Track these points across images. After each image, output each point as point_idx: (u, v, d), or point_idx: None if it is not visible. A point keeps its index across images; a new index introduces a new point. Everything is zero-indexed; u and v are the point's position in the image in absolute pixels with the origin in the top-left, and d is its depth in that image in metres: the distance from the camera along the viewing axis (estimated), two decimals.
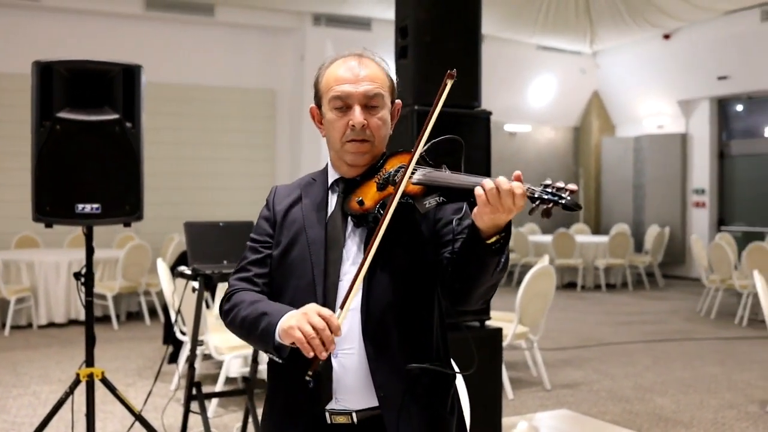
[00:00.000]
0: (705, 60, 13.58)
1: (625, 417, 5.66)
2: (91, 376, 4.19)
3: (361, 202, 1.97)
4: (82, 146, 3.92)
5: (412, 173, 1.91)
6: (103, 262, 9.59)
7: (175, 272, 4.82)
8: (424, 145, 1.95)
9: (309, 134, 12.50)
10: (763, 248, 9.42)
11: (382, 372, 1.95)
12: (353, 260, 2.01)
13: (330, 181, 2.15)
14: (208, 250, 4.44)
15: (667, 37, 14.20)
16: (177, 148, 12.06)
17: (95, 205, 3.96)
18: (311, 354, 1.77)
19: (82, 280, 4.22)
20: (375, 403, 1.96)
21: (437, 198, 1.85)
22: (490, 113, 4.76)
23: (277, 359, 1.95)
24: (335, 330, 1.77)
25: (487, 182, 1.69)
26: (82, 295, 4.24)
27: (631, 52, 15.07)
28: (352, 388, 1.97)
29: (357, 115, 2.00)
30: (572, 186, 1.64)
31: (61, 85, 3.90)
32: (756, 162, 13.63)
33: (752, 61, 12.83)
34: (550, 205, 1.63)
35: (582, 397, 6.23)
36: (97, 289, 9.27)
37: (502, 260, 1.81)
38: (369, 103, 2.02)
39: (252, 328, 1.99)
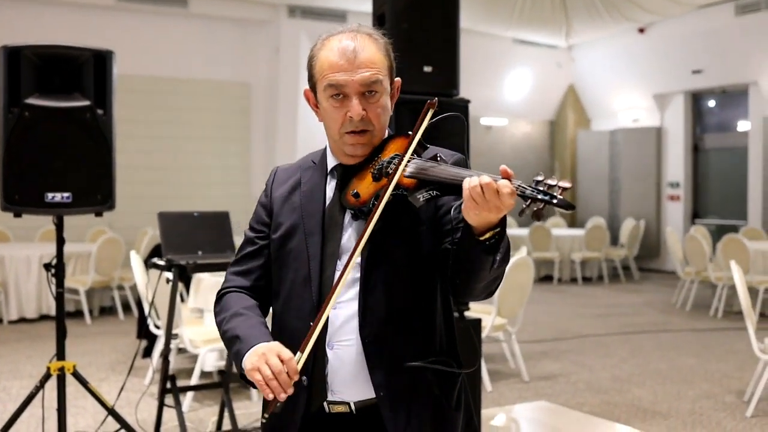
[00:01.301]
0: (679, 54, 13.63)
1: (603, 408, 5.65)
2: (62, 370, 4.10)
3: (356, 195, 1.90)
4: (51, 133, 3.83)
5: (406, 165, 1.84)
6: (75, 256, 9.44)
7: (148, 263, 4.72)
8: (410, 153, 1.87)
9: (284, 128, 12.41)
10: (738, 240, 9.47)
11: (380, 369, 1.89)
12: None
13: (329, 167, 2.06)
14: (183, 240, 4.35)
15: (642, 31, 14.24)
16: (150, 141, 11.90)
17: (65, 194, 3.87)
18: (270, 396, 1.73)
19: (53, 271, 4.11)
20: (373, 395, 1.90)
21: (431, 192, 1.78)
22: (468, 102, 4.71)
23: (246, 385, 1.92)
24: (292, 373, 1.73)
25: (471, 179, 1.62)
26: (53, 287, 4.13)
27: (606, 46, 15.10)
28: (349, 380, 1.91)
29: (355, 106, 1.90)
30: (565, 183, 1.56)
31: (30, 70, 3.80)
32: (729, 156, 13.71)
33: (726, 55, 12.90)
34: (542, 205, 1.55)
35: (560, 388, 6.21)
36: (69, 283, 9.13)
37: (497, 257, 1.73)
38: (367, 90, 1.92)
39: (228, 346, 1.96)
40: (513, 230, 13.78)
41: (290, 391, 1.73)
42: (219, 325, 2.01)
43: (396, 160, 1.84)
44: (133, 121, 11.40)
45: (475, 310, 5.99)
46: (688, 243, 10.23)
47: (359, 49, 1.93)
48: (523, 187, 1.58)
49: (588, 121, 16.25)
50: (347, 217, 1.96)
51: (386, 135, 2.02)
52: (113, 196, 3.98)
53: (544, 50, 15.47)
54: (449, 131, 4.52)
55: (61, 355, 4.14)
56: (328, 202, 2.02)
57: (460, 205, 1.91)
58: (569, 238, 13.03)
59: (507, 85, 15.44)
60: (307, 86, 2.04)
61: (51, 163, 3.84)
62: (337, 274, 1.88)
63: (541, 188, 1.57)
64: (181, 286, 6.64)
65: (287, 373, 1.72)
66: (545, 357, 7.34)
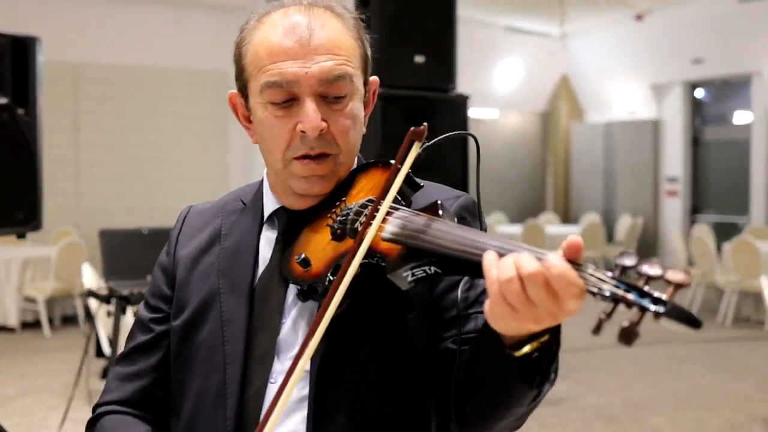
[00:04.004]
0: (678, 42, 13.00)
1: None
2: None
3: (305, 262, 1.19)
4: None
5: (385, 218, 1.15)
6: (34, 261, 8.68)
7: (87, 292, 4.02)
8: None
9: None
10: (748, 244, 8.82)
11: None
12: (296, 353, 1.23)
13: (267, 211, 1.36)
14: (128, 263, 3.67)
15: (639, 18, 13.58)
16: (121, 135, 11.13)
17: None
18: None
19: None
20: None
21: (425, 268, 1.08)
22: (467, 98, 4.03)
23: None
24: None
25: (503, 266, 0.93)
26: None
27: (601, 35, 14.46)
28: None
29: (309, 114, 1.21)
30: (678, 274, 0.88)
31: None
32: (730, 149, 13.09)
33: (728, 44, 12.27)
34: (638, 317, 0.88)
35: (567, 416, 5.56)
36: (27, 291, 8.44)
37: (544, 388, 1.05)
38: (329, 92, 1.24)
39: None
40: (504, 227, 13.10)
41: None
42: None
43: (368, 210, 1.15)
44: (100, 113, 10.68)
45: None
46: (693, 245, 9.60)
47: (316, 26, 1.23)
48: (601, 280, 0.90)
49: (582, 113, 15.60)
50: (291, 294, 1.26)
51: (356, 164, 1.33)
52: (39, 213, 3.27)
53: (537, 38, 14.81)
54: (445, 130, 3.79)
55: None
56: (261, 267, 1.31)
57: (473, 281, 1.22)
58: (563, 236, 12.34)
59: (497, 75, 14.76)
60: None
61: None
62: (272, 389, 1.20)
63: (633, 284, 0.89)
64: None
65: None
66: None
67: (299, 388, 1.21)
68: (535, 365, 1.04)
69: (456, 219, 1.15)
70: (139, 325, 1.41)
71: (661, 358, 7.39)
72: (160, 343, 1.37)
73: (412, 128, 1.17)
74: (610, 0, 12.11)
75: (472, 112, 14.44)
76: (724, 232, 11.79)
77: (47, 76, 11.13)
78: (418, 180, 1.22)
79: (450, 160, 3.97)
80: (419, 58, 3.83)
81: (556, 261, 0.90)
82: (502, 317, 0.95)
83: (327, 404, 1.20)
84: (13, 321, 8.46)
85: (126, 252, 3.73)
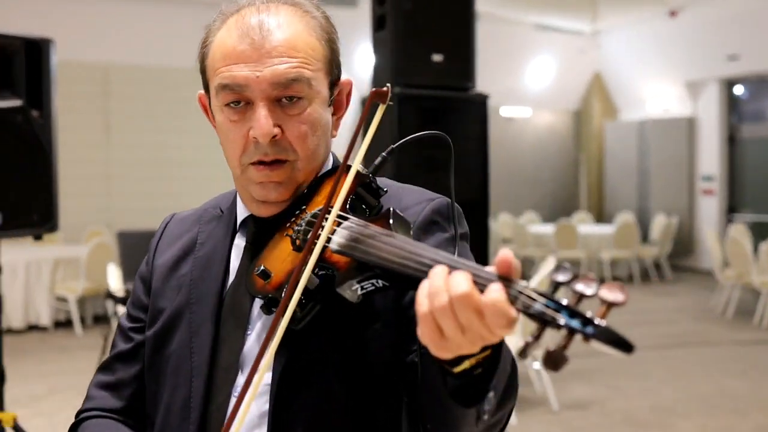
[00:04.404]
0: (714, 38, 12.75)
1: None
2: None
3: (264, 274, 1.15)
4: None
5: (334, 228, 1.10)
6: (65, 261, 8.76)
7: (106, 294, 4.03)
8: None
9: None
10: None
11: None
12: (262, 367, 1.21)
13: (239, 219, 1.33)
14: None
15: (673, 14, 13.36)
16: (152, 135, 11.19)
17: None
18: None
19: None
20: None
21: (373, 281, 1.04)
22: (486, 97, 3.96)
23: None
24: None
25: (434, 284, 0.88)
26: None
27: (634, 31, 14.25)
28: None
29: (260, 119, 1.17)
30: (612, 292, 0.82)
31: None
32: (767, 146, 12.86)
33: (764, 39, 12.01)
34: (567, 339, 0.82)
35: (594, 420, 5.46)
36: (59, 290, 8.53)
37: (485, 407, 0.97)
38: (283, 95, 1.19)
39: None
40: (536, 227, 12.96)
41: None
42: None
43: (316, 223, 1.11)
44: (131, 113, 10.76)
45: None
46: (729, 245, 9.41)
47: (272, 26, 1.19)
48: (530, 298, 0.83)
49: (615, 111, 15.39)
50: (257, 306, 1.22)
51: (323, 169, 1.29)
52: (54, 214, 3.28)
53: (568, 36, 14.64)
54: (462, 132, 3.71)
55: None
56: (232, 277, 1.28)
57: None
58: (597, 236, 12.21)
59: (528, 73, 14.62)
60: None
61: None
62: (233, 403, 1.15)
63: (563, 303, 0.83)
64: None
65: None
66: (575, 378, 6.58)
67: (261, 403, 1.18)
68: (474, 383, 0.98)
69: (413, 227, 1.10)
70: (120, 334, 1.39)
71: (691, 361, 7.25)
72: (140, 352, 1.34)
73: (374, 89, 1.13)
74: None
75: (504, 111, 14.39)
76: (761, 232, 11.55)
77: (78, 77, 11.28)
78: (379, 185, 1.18)
79: (470, 161, 3.90)
80: (437, 57, 3.77)
81: (489, 277, 0.86)
82: (432, 340, 0.90)
83: (287, 420, 1.16)
84: (45, 320, 8.56)
85: (144, 253, 3.73)
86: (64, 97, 10.15)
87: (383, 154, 1.22)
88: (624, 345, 0.80)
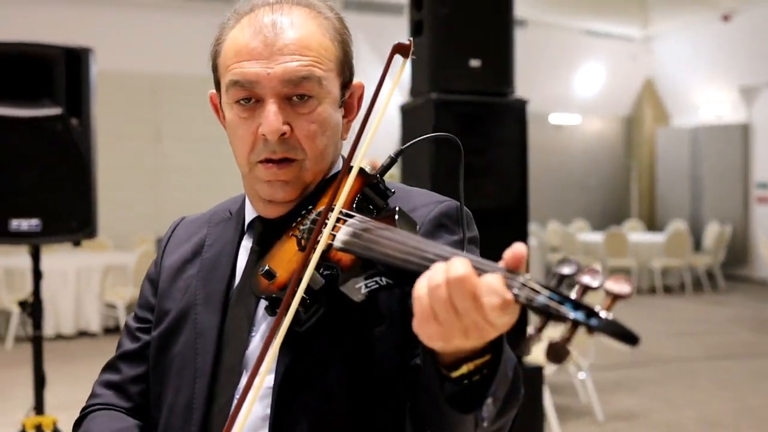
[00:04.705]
0: None
1: None
2: (39, 428, 3.46)
3: (269, 275, 1.14)
4: (15, 148, 3.19)
5: (337, 224, 1.10)
6: (114, 267, 8.90)
7: None
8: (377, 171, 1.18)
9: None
10: None
11: None
12: (264, 369, 1.20)
13: (247, 220, 1.33)
14: None
15: (726, 18, 13.09)
16: (200, 143, 11.31)
17: (34, 221, 3.22)
18: None
19: (29, 310, 3.47)
20: None
21: (376, 279, 1.03)
22: (525, 102, 3.91)
23: None
24: None
25: (433, 271, 0.87)
26: (29, 328, 3.50)
27: (686, 36, 14.00)
28: None
29: (269, 116, 1.17)
30: (618, 284, 0.79)
31: None
32: None
33: None
34: (570, 332, 0.80)
35: (638, 431, 5.35)
36: (108, 297, 8.67)
37: (484, 415, 0.95)
38: (293, 93, 1.19)
39: None
40: (586, 234, 12.78)
41: None
42: None
43: (319, 219, 1.10)
44: (180, 122, 10.90)
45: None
46: None
47: (285, 24, 1.19)
48: (534, 290, 0.81)
49: (667, 118, 15.13)
50: (262, 307, 1.22)
51: (331, 171, 1.28)
52: (93, 221, 3.31)
53: (619, 41, 14.45)
54: (501, 138, 3.66)
55: (39, 408, 3.50)
56: (238, 278, 1.27)
57: None
58: (648, 244, 11.99)
59: (578, 80, 14.46)
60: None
61: (16, 185, 3.20)
62: (235, 405, 1.14)
63: (567, 295, 0.81)
64: None
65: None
66: (621, 388, 6.46)
67: (263, 406, 1.17)
68: (473, 390, 0.96)
69: (421, 229, 1.09)
70: (127, 333, 1.39)
71: (742, 373, 7.06)
72: (146, 352, 1.34)
73: (397, 42, 1.12)
74: (695, 1, 11.71)
75: (553, 118, 14.24)
76: None
77: (128, 87, 11.46)
78: (387, 186, 1.17)
79: (509, 168, 3.85)
80: (475, 62, 3.74)
81: (491, 267, 0.85)
82: (428, 335, 0.89)
83: (288, 422, 1.15)
84: (95, 326, 8.70)
85: None
86: (114, 106, 10.43)
87: (390, 155, 1.21)
88: (629, 337, 0.78)
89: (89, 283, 8.70)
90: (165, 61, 10.80)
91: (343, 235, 1.07)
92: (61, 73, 3.22)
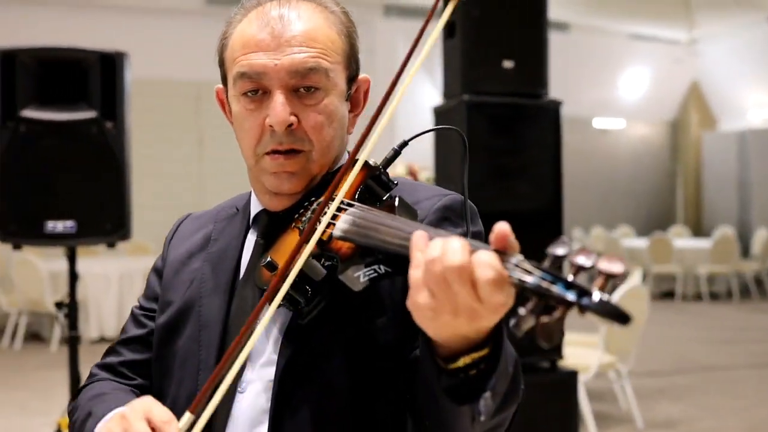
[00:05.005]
0: None
1: None
2: None
3: (271, 266, 1.14)
4: (51, 151, 3.24)
5: (338, 214, 1.10)
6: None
7: None
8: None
9: (382, 138, 11.66)
10: None
11: None
12: (266, 361, 1.19)
13: (252, 214, 1.34)
14: None
15: None
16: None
17: (69, 223, 3.27)
18: None
19: (65, 311, 3.52)
20: None
21: (377, 267, 1.03)
22: (559, 103, 3.86)
23: None
24: None
25: (429, 250, 0.87)
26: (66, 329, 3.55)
27: (734, 39, 13.75)
28: None
29: (277, 107, 1.18)
30: (611, 263, 0.78)
31: (28, 77, 3.24)
32: None
33: None
34: (560, 311, 0.79)
35: None
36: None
37: (481, 408, 0.93)
38: (301, 85, 1.20)
39: None
40: (630, 240, 12.60)
41: None
42: (71, 427, 1.28)
43: (319, 206, 1.11)
44: (222, 129, 10.95)
45: (575, 343, 5.13)
46: None
47: (292, 17, 1.20)
48: (526, 271, 0.81)
49: (714, 122, 14.88)
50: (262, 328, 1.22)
51: (336, 164, 1.28)
52: (127, 223, 3.35)
53: (664, 45, 14.25)
54: (534, 140, 3.62)
55: None
56: (242, 272, 1.28)
57: None
58: (694, 250, 11.78)
59: (623, 84, 14.28)
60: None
61: (52, 187, 3.26)
62: (239, 398, 1.17)
63: (559, 275, 0.80)
64: None
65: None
66: (663, 396, 6.35)
67: (263, 400, 1.17)
68: (470, 383, 0.94)
69: (424, 222, 1.09)
70: (131, 320, 1.40)
71: None
72: (150, 339, 1.34)
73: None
74: (741, 3, 11.50)
75: (598, 122, 14.09)
76: None
77: (172, 94, 11.60)
78: (392, 178, 1.16)
79: (542, 170, 3.81)
80: (508, 63, 3.71)
81: (483, 248, 0.85)
82: (420, 307, 0.88)
83: (288, 415, 1.15)
84: None
85: None
86: (159, 114, 10.58)
87: (394, 147, 1.21)
88: (620, 316, 0.76)
89: (132, 286, 8.82)
90: (208, 69, 10.85)
91: (342, 223, 1.07)
92: (96, 77, 3.28)
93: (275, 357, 1.17)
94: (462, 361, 0.93)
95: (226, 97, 1.31)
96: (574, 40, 12.99)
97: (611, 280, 0.77)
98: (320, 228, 1.05)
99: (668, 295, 11.95)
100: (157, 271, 1.41)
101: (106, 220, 3.32)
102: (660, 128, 15.03)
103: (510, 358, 1.00)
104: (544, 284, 0.79)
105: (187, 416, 1.06)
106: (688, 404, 6.11)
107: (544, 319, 0.78)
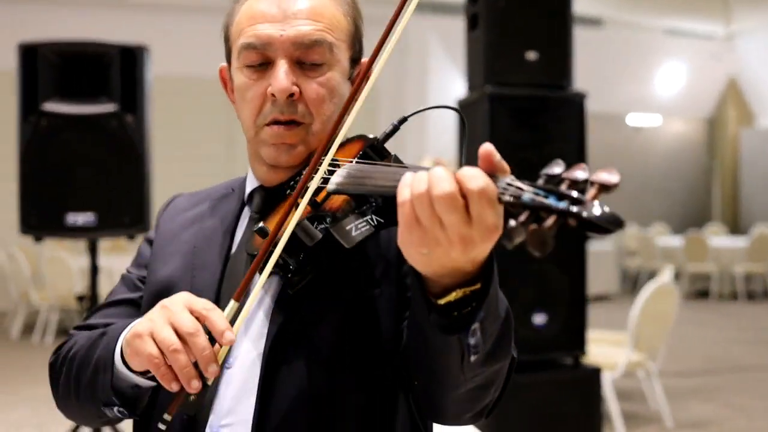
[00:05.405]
0: None
1: None
2: None
3: (262, 231, 1.13)
4: (72, 145, 3.26)
5: (331, 170, 1.10)
6: None
7: None
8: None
9: (413, 137, 11.61)
10: None
11: None
12: (257, 333, 1.18)
13: (247, 191, 1.33)
14: None
15: None
16: None
17: (89, 216, 3.28)
18: (174, 385, 0.99)
19: (87, 305, 3.54)
20: None
21: (369, 219, 1.04)
22: (584, 95, 3.80)
23: (126, 416, 1.18)
24: (219, 334, 0.99)
25: (415, 177, 0.86)
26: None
27: None
28: None
29: (279, 75, 1.18)
30: (606, 175, 0.77)
31: (49, 71, 3.26)
32: None
33: None
34: (551, 219, 0.77)
35: None
36: None
37: (470, 341, 0.92)
38: (305, 57, 1.21)
39: (82, 370, 1.19)
40: (665, 238, 12.41)
41: (213, 373, 0.99)
42: (61, 366, 1.25)
43: (309, 166, 1.12)
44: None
45: (601, 341, 5.06)
46: None
47: None
48: (518, 188, 0.80)
49: (752, 118, 14.61)
50: (258, 291, 1.18)
51: (337, 142, 1.28)
52: (146, 216, 3.36)
53: (700, 40, 14.02)
54: (558, 132, 3.57)
55: None
56: (236, 246, 1.27)
57: None
58: (729, 250, 11.57)
59: (658, 80, 14.09)
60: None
61: (73, 180, 3.28)
62: (227, 374, 1.17)
63: (552, 188, 0.80)
64: None
65: (211, 332, 1.00)
66: (694, 396, 6.23)
67: (254, 374, 1.16)
68: (461, 316, 0.92)
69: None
70: (122, 284, 1.38)
71: None
72: (140, 302, 1.32)
73: None
74: None
75: (633, 119, 13.91)
76: None
77: (201, 92, 11.64)
78: (389, 151, 1.18)
79: (565, 160, 3.73)
80: (531, 55, 3.65)
81: (467, 168, 0.84)
82: (413, 243, 0.86)
83: (277, 388, 1.14)
84: None
85: None
86: (188, 112, 10.65)
87: (394, 122, 1.21)
88: (614, 222, 0.75)
89: None
90: None
91: (337, 177, 1.08)
92: (116, 71, 3.29)
93: (266, 330, 1.16)
94: (454, 295, 0.92)
95: (230, 75, 1.31)
96: (607, 35, 12.84)
97: (605, 191, 0.77)
98: (313, 184, 1.05)
99: (703, 294, 11.76)
100: (149, 241, 1.40)
101: (126, 213, 3.33)
102: (696, 125, 14.80)
103: (502, 304, 0.98)
104: (537, 198, 0.78)
105: (232, 303, 1.06)
106: (719, 404, 5.99)
107: (534, 226, 0.77)
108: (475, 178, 0.80)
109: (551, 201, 0.77)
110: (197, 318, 1.01)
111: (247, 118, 1.25)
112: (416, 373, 1.07)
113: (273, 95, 1.19)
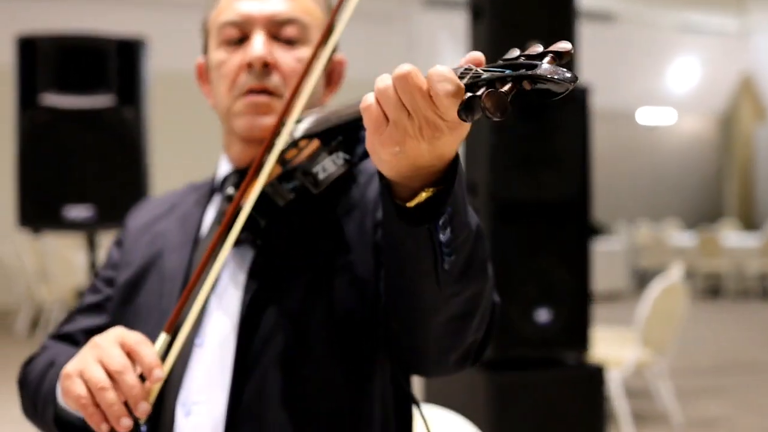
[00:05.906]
0: None
1: None
2: None
3: (230, 198, 1.17)
4: (70, 138, 3.24)
5: (297, 123, 1.16)
6: None
7: None
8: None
9: None
10: None
11: None
12: (231, 306, 1.18)
13: (219, 178, 1.33)
14: None
15: None
16: None
17: (87, 209, 3.26)
18: (103, 427, 0.97)
19: None
20: None
21: (334, 157, 1.09)
22: (587, 90, 3.74)
23: None
24: (148, 371, 0.99)
25: (381, 81, 0.83)
26: None
27: None
28: None
29: (255, 43, 1.21)
30: (559, 45, 0.78)
31: (47, 64, 3.23)
32: None
33: None
34: (508, 85, 0.76)
35: None
36: None
37: (441, 236, 0.90)
38: (280, 33, 1.23)
39: (36, 399, 1.20)
40: (677, 234, 12.31)
41: (144, 409, 0.97)
42: (25, 390, 1.26)
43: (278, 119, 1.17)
44: None
45: (607, 338, 5.00)
46: None
47: None
48: (478, 72, 0.80)
49: (766, 115, 14.48)
50: (226, 252, 1.17)
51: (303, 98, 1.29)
52: None
53: (713, 36, 13.90)
54: (562, 126, 3.51)
55: None
56: (205, 230, 1.28)
57: None
58: (743, 249, 11.45)
59: (670, 76, 13.98)
60: None
61: (70, 174, 3.25)
62: (197, 352, 1.17)
63: (510, 62, 0.80)
64: None
65: (141, 373, 1.01)
66: (703, 395, 6.17)
67: (228, 350, 1.16)
68: (429, 209, 0.91)
69: None
70: (89, 290, 1.38)
71: None
72: (107, 305, 1.32)
73: None
74: None
75: (643, 116, 13.82)
76: None
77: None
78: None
79: (569, 157, 3.69)
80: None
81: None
82: (381, 143, 0.84)
83: (251, 360, 1.13)
84: None
85: None
86: (188, 106, 10.61)
87: None
88: (565, 77, 0.74)
89: None
90: None
91: (304, 124, 1.12)
92: (114, 64, 3.27)
93: (240, 302, 1.17)
94: (424, 195, 0.90)
95: (206, 66, 1.33)
96: (620, 31, 12.75)
97: (559, 58, 0.78)
98: (280, 141, 1.08)
99: (716, 292, 11.67)
100: (118, 242, 1.40)
101: (124, 207, 3.29)
102: (710, 121, 14.69)
103: (473, 217, 0.97)
104: (496, 73, 0.78)
105: (163, 336, 1.05)
106: (729, 402, 5.93)
107: (490, 91, 0.76)
108: (434, 67, 0.80)
109: (509, 71, 0.78)
110: (128, 353, 1.00)
111: (222, 93, 1.26)
112: (394, 311, 1.05)
113: (249, 65, 1.21)
